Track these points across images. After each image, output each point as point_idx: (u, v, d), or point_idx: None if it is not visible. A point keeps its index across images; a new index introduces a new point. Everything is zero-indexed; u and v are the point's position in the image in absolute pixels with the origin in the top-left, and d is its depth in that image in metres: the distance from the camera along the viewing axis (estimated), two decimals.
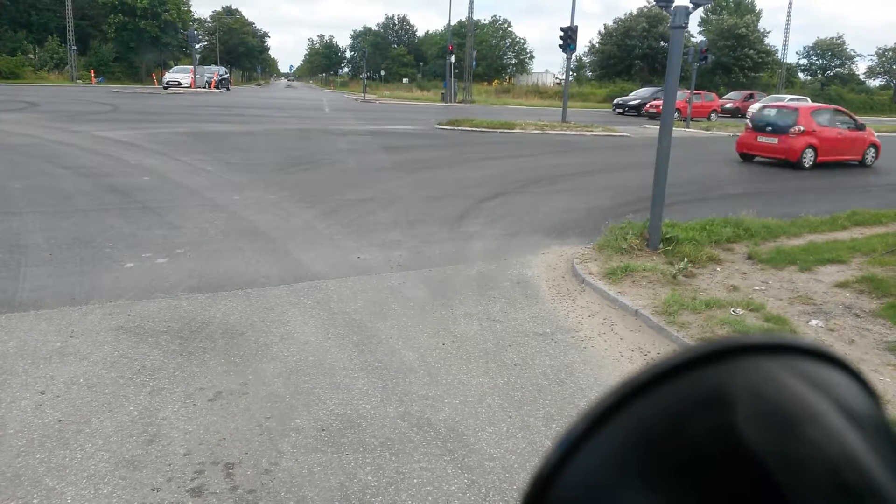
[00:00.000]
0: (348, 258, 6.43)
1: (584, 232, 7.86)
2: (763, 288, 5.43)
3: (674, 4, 5.99)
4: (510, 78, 76.64)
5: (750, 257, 6.36)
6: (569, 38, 21.63)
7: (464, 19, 50.14)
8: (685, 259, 5.76)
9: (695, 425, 0.31)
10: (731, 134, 23.81)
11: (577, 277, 5.85)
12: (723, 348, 0.33)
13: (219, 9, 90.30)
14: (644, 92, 37.56)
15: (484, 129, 20.31)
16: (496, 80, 71.22)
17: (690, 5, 5.94)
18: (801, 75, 62.90)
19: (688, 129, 24.49)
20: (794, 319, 4.76)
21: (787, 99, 36.41)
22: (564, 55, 23.58)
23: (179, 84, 40.53)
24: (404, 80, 75.35)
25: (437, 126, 21.22)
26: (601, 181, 11.95)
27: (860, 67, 74.08)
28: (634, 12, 54.67)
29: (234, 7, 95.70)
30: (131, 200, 8.41)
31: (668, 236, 6.44)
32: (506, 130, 20.40)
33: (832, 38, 58.85)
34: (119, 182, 9.54)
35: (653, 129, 25.52)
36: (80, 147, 12.91)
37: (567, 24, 22.89)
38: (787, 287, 5.48)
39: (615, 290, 5.33)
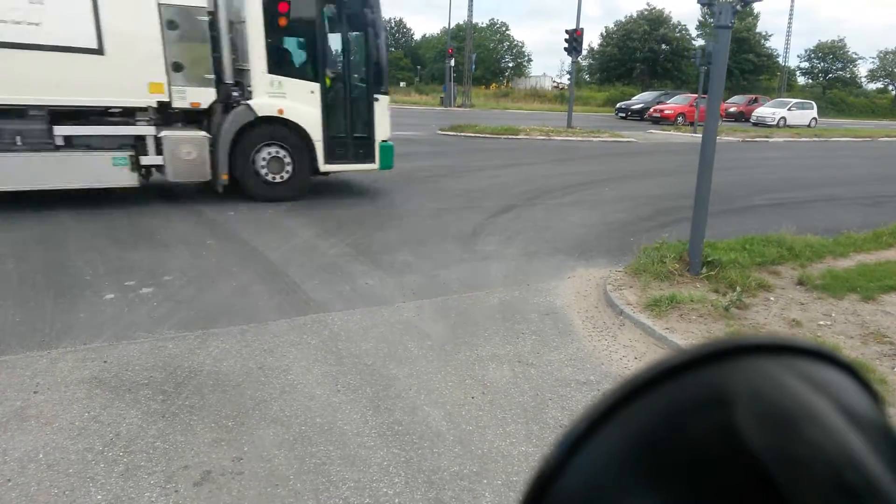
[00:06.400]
0: (355, 284, 5.79)
1: (610, 251, 7.24)
2: (828, 323, 4.80)
3: (718, 1, 5.37)
4: (508, 82, 76.17)
5: (801, 283, 5.74)
6: (574, 40, 21.04)
7: (461, 22, 49.64)
8: (737, 289, 5.12)
9: (695, 426, 0.30)
10: (741, 139, 23.26)
11: (614, 308, 5.22)
12: (723, 348, 0.33)
13: None
14: (647, 96, 37.07)
15: (488, 135, 19.70)
16: (494, 84, 70.71)
17: (738, 3, 5.32)
18: (800, 79, 62.48)
19: (695, 135, 23.91)
20: (877, 364, 4.13)
21: (791, 103, 35.90)
22: (563, 59, 22.99)
23: None
24: (401, 84, 74.77)
25: (439, 132, 20.59)
26: (616, 191, 11.33)
27: (861, 71, 73.77)
28: (634, 15, 54.19)
29: None
30: (117, 216, 7.74)
31: (709, 259, 5.82)
32: (510, 136, 19.79)
33: (833, 40, 58.48)
34: (106, 194, 8.87)
35: (658, 134, 24.98)
36: None
37: (567, 27, 22.35)
38: (853, 321, 4.86)
39: (661, 326, 4.70)
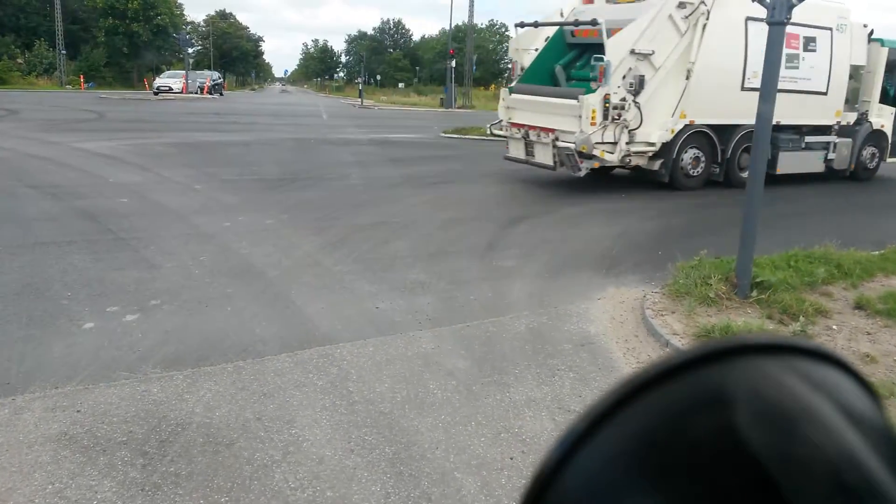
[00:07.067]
0: (364, 308, 5.21)
1: (639, 266, 6.66)
2: None
3: None
4: (507, 83, 75.44)
5: (859, 306, 5.17)
6: None
7: (460, 24, 49.09)
8: (800, 318, 4.54)
9: (695, 425, 0.30)
10: None
11: (658, 338, 4.63)
12: (723, 348, 0.33)
13: (212, 13, 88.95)
14: None
15: (493, 138, 19.07)
16: (493, 85, 70.16)
17: None
18: None
19: None
20: None
21: None
22: None
23: (170, 90, 39.24)
24: (400, 85, 74.29)
25: (443, 134, 20.02)
26: (633, 199, 10.75)
27: None
28: None
29: (228, 11, 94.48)
30: (103, 229, 7.15)
31: (757, 280, 5.24)
32: None
33: None
34: (92, 205, 8.28)
35: None
36: (54, 161, 11.65)
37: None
38: None
39: None
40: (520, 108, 11.24)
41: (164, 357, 4.15)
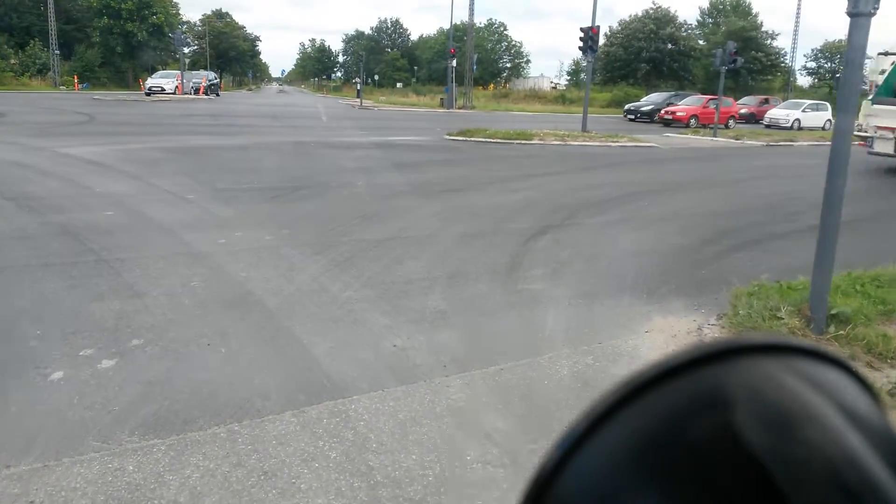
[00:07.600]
0: (380, 347, 4.50)
1: (682, 288, 5.97)
2: None
3: None
4: (506, 82, 75.09)
5: None
6: (590, 39, 19.77)
7: (460, 22, 48.36)
8: None
9: (694, 426, 0.30)
10: (765, 143, 22.03)
11: None
12: (723, 348, 0.32)
13: (209, 12, 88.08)
14: (656, 97, 35.80)
15: (500, 141, 18.41)
16: (492, 84, 69.64)
17: None
18: (801, 79, 61.27)
19: (716, 139, 22.61)
20: None
21: (805, 104, 34.71)
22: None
23: (162, 90, 38.44)
24: (398, 85, 73.74)
25: (448, 137, 19.30)
26: (658, 207, 10.07)
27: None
28: (640, 14, 52.82)
29: (224, 10, 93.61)
30: (84, 249, 6.44)
31: (832, 311, 4.55)
32: (523, 141, 18.51)
33: (840, 40, 57.32)
34: (74, 220, 7.56)
35: (677, 137, 23.76)
36: (37, 169, 10.92)
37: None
38: None
39: None
40: (881, 116, 13.82)
41: (143, 419, 3.44)
